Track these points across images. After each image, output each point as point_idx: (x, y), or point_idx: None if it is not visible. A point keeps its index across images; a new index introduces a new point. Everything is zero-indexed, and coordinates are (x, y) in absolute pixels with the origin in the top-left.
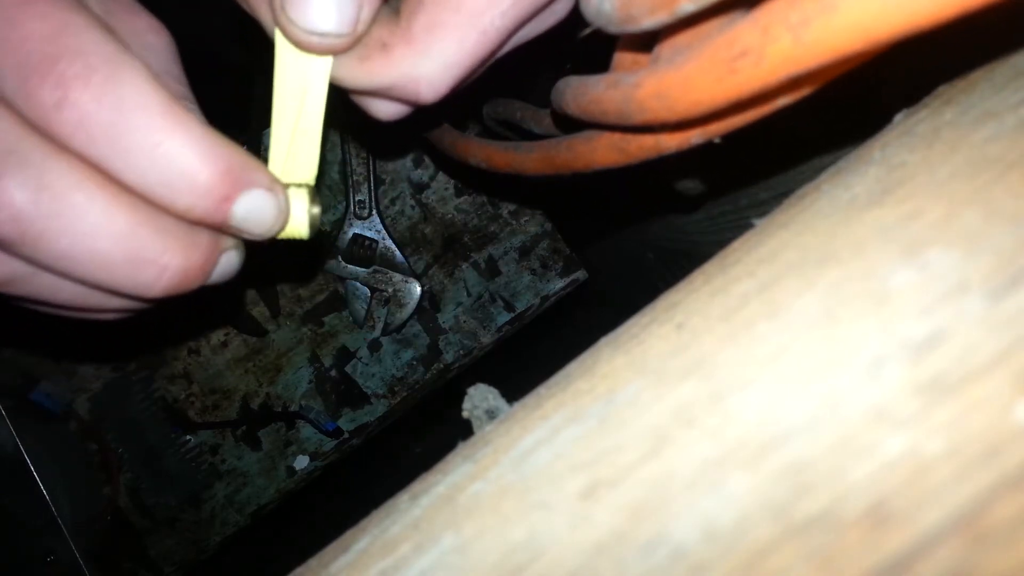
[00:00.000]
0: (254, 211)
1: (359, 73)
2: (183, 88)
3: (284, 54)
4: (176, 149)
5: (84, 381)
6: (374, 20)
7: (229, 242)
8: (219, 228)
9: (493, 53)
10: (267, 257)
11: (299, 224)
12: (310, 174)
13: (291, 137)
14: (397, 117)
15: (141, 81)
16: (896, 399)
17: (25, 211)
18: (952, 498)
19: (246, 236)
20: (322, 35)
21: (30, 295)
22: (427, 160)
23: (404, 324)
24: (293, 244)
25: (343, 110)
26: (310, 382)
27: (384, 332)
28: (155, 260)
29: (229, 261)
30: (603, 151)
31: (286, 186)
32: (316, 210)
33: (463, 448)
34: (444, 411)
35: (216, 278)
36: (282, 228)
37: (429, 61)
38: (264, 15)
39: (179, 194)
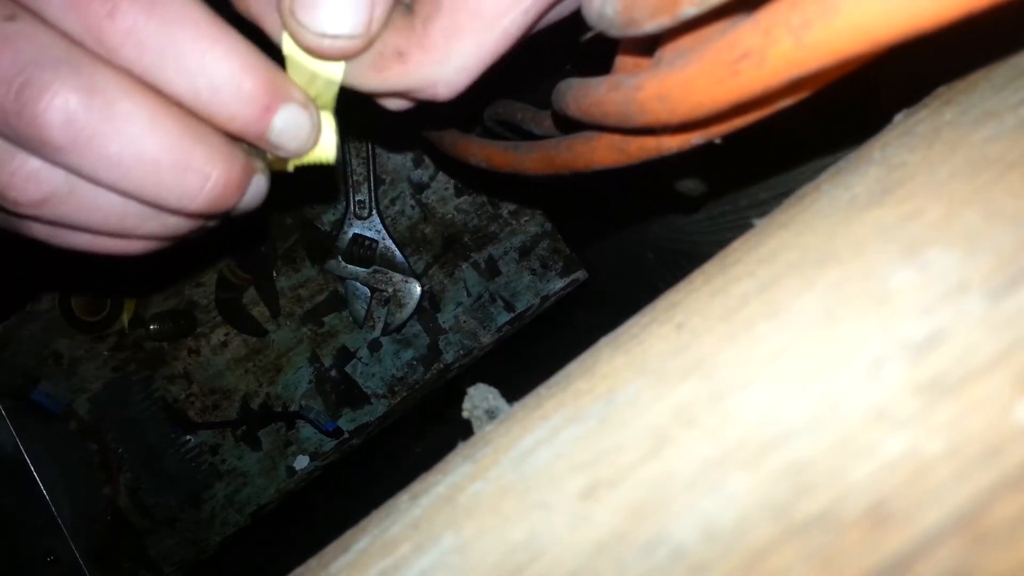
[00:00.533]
0: (291, 124)
1: (374, 81)
2: None
3: (293, 62)
4: (222, 58)
5: (84, 381)
6: (387, 20)
7: (259, 164)
8: (256, 142)
9: (514, 49)
10: (289, 184)
11: (327, 145)
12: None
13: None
14: (408, 108)
15: None
16: (896, 399)
17: (78, 114)
18: (952, 498)
19: (280, 152)
20: (334, 38)
21: (65, 217)
22: (427, 160)
23: (404, 324)
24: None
25: (343, 105)
26: (310, 382)
27: (384, 332)
28: (199, 168)
29: (259, 184)
30: (603, 151)
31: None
32: (338, 138)
33: (463, 448)
34: (444, 411)
35: (246, 202)
36: (313, 145)
37: (448, 66)
38: (269, 22)
39: (224, 103)
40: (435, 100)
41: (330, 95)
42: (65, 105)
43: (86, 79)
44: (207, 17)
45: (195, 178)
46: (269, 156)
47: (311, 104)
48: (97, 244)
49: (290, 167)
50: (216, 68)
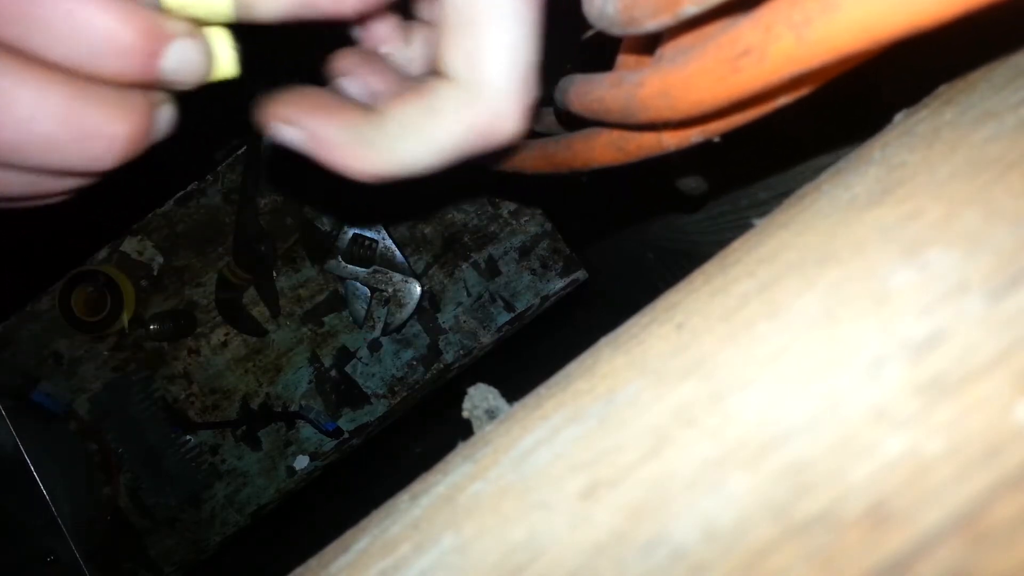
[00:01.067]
0: (182, 61)
1: None
2: None
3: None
4: (93, 15)
5: (84, 381)
6: None
7: (160, 96)
8: (151, 85)
9: None
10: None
11: (227, 63)
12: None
13: None
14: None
15: None
16: (896, 399)
17: None
18: (952, 498)
19: (178, 87)
20: None
21: None
22: None
23: (404, 324)
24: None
25: None
26: (310, 382)
27: (384, 332)
28: (101, 132)
29: (165, 115)
30: (602, 149)
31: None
32: (234, 51)
33: (463, 448)
34: (444, 411)
35: (158, 134)
36: (211, 68)
37: None
38: None
39: (107, 60)
40: (341, 9)
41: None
42: None
43: None
44: None
45: (99, 142)
46: None
47: (197, 31)
48: (16, 206)
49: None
50: (87, 28)
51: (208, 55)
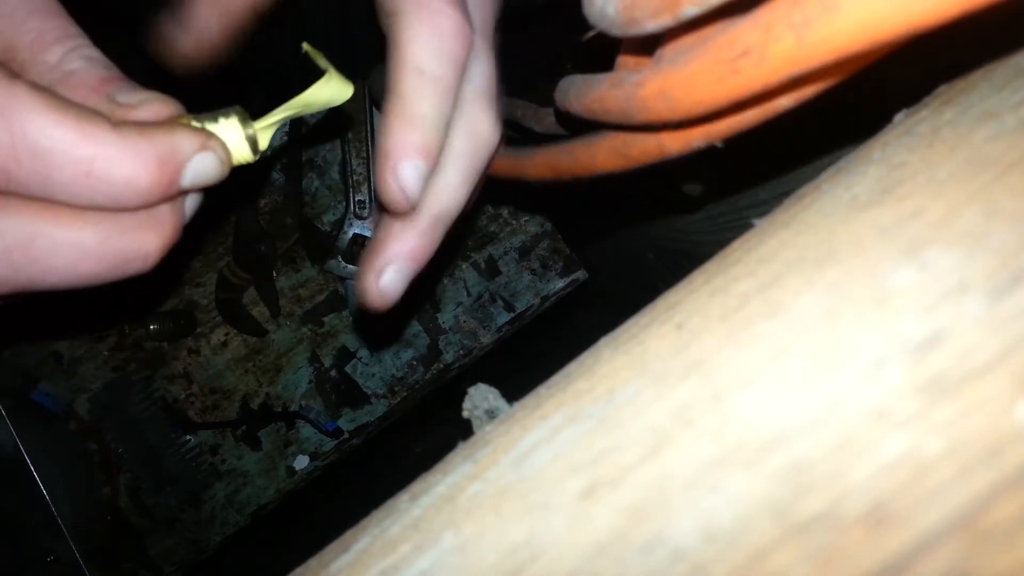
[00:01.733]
0: (199, 173)
1: None
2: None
3: None
4: (105, 168)
5: (84, 381)
6: None
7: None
8: (177, 200)
9: None
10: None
11: (243, 153)
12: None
13: None
14: None
15: (36, 105)
16: (896, 399)
17: (2, 272)
18: (952, 498)
19: (202, 188)
20: None
21: (20, 303)
22: None
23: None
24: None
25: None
26: (310, 382)
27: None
28: (136, 255)
29: (193, 202)
30: (604, 156)
31: (214, 119)
32: (251, 131)
33: (463, 448)
34: (444, 411)
35: (187, 221)
36: (229, 163)
37: None
38: None
39: (129, 199)
40: None
41: None
42: None
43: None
44: (69, 122)
45: (136, 262)
46: None
47: (205, 139)
48: None
49: None
50: (104, 181)
51: (223, 156)
